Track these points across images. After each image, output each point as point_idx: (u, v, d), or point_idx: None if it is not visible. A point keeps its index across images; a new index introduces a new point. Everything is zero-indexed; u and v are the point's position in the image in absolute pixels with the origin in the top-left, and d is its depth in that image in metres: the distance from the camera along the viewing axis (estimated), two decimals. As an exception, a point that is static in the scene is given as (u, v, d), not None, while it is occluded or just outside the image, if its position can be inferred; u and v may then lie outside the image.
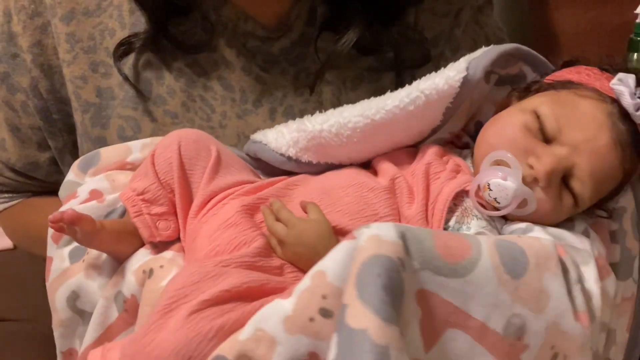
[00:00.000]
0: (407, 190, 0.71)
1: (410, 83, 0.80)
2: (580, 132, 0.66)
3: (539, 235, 0.65)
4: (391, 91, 0.75)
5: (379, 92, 0.82)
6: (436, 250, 0.57)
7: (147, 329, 0.59)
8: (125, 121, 0.87)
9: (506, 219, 0.71)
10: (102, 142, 0.87)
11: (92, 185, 0.77)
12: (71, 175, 0.81)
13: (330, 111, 0.77)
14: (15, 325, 1.10)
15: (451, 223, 0.69)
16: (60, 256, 0.75)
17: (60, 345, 0.75)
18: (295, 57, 0.88)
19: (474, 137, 0.76)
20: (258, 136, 0.80)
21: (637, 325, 0.74)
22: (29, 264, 1.10)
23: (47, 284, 0.76)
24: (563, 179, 0.67)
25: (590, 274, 0.64)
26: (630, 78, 0.67)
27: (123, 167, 0.80)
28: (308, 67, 0.88)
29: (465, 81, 0.69)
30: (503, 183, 0.66)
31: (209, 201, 0.73)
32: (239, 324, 0.56)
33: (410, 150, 0.76)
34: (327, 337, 0.53)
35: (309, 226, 0.66)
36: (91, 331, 0.71)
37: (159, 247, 0.73)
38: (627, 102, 0.66)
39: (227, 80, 0.88)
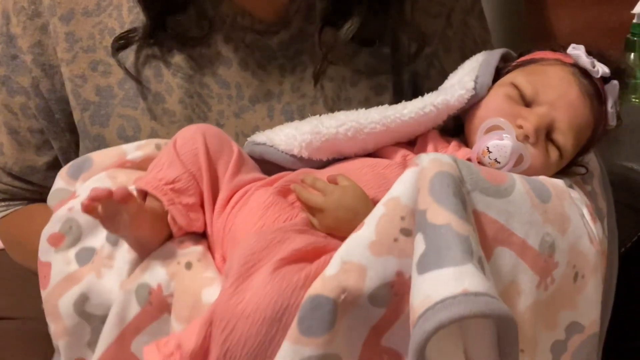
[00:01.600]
0: None
1: (408, 81, 0.91)
2: (554, 91, 0.79)
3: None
4: (390, 90, 0.86)
5: (377, 88, 0.92)
6: (482, 174, 0.67)
7: (229, 293, 0.61)
8: (125, 121, 0.88)
9: None
10: (101, 140, 0.90)
11: (93, 184, 0.77)
12: (60, 183, 0.81)
13: (343, 114, 0.81)
14: (16, 323, 1.11)
15: None
16: (65, 259, 0.73)
17: (67, 355, 0.74)
18: (293, 53, 0.91)
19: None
20: (260, 138, 0.83)
21: (610, 277, 0.83)
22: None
23: (46, 291, 0.74)
24: (547, 135, 0.78)
25: (587, 216, 0.74)
26: (581, 47, 0.82)
27: (123, 165, 0.80)
28: (306, 63, 0.91)
29: (472, 97, 0.80)
30: (501, 143, 0.76)
31: (231, 196, 0.74)
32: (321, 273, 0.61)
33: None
34: (410, 254, 0.60)
35: (347, 190, 0.71)
36: (109, 330, 0.69)
37: (185, 242, 0.72)
38: (584, 60, 0.80)
39: (222, 77, 0.90)
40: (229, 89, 0.89)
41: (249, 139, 0.85)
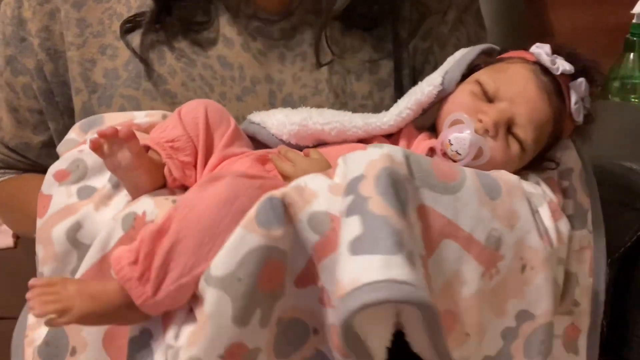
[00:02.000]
0: None
1: (408, 76, 0.97)
2: (513, 87, 0.83)
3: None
4: (392, 85, 0.93)
5: (380, 83, 0.96)
6: (433, 171, 0.72)
7: (196, 186, 0.70)
8: (126, 100, 0.92)
9: None
10: None
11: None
12: (72, 135, 0.88)
13: (330, 113, 0.87)
14: (16, 323, 1.11)
15: None
16: (67, 192, 0.80)
17: None
18: (294, 43, 0.95)
19: None
20: (256, 118, 0.89)
21: (598, 269, 0.86)
22: (30, 261, 1.10)
23: (42, 220, 0.79)
24: (508, 129, 0.83)
25: (544, 213, 0.78)
26: (546, 46, 0.86)
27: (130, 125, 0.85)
28: (306, 53, 0.95)
29: (440, 92, 0.85)
30: (460, 135, 0.81)
31: (220, 163, 0.81)
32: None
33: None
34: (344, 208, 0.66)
35: (314, 163, 0.81)
36: (92, 254, 0.74)
37: (176, 193, 0.79)
38: (544, 58, 0.84)
39: (225, 59, 0.93)
40: (231, 70, 0.93)
41: (247, 117, 0.90)
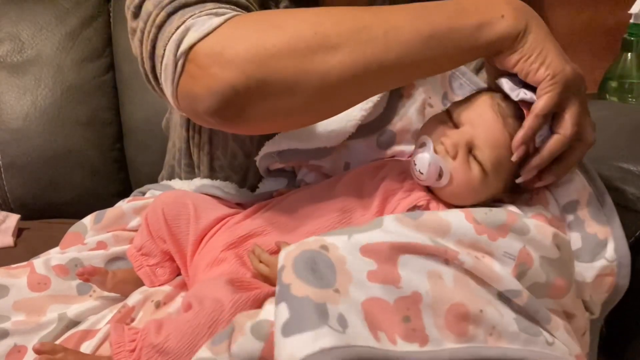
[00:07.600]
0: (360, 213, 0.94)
1: None
2: (473, 112, 0.91)
3: None
4: None
5: None
6: (354, 225, 0.83)
7: (187, 305, 0.85)
8: None
9: None
10: None
11: (99, 238, 1.05)
12: (87, 220, 1.07)
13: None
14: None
15: None
16: (68, 285, 0.98)
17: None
18: None
19: None
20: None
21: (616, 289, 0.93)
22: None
23: (39, 294, 0.95)
24: (470, 152, 0.90)
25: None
26: (513, 78, 0.90)
27: (124, 229, 1.07)
28: None
29: None
30: (421, 155, 0.90)
31: (200, 241, 0.97)
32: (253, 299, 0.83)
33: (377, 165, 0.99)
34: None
35: None
36: (83, 326, 0.93)
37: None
38: (505, 86, 0.90)
39: None
40: None
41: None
